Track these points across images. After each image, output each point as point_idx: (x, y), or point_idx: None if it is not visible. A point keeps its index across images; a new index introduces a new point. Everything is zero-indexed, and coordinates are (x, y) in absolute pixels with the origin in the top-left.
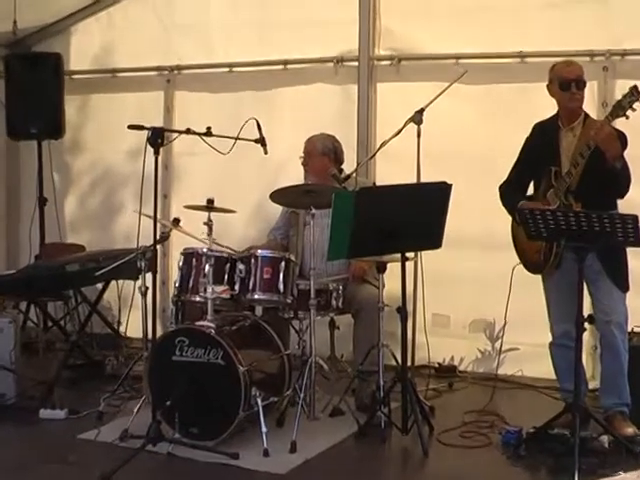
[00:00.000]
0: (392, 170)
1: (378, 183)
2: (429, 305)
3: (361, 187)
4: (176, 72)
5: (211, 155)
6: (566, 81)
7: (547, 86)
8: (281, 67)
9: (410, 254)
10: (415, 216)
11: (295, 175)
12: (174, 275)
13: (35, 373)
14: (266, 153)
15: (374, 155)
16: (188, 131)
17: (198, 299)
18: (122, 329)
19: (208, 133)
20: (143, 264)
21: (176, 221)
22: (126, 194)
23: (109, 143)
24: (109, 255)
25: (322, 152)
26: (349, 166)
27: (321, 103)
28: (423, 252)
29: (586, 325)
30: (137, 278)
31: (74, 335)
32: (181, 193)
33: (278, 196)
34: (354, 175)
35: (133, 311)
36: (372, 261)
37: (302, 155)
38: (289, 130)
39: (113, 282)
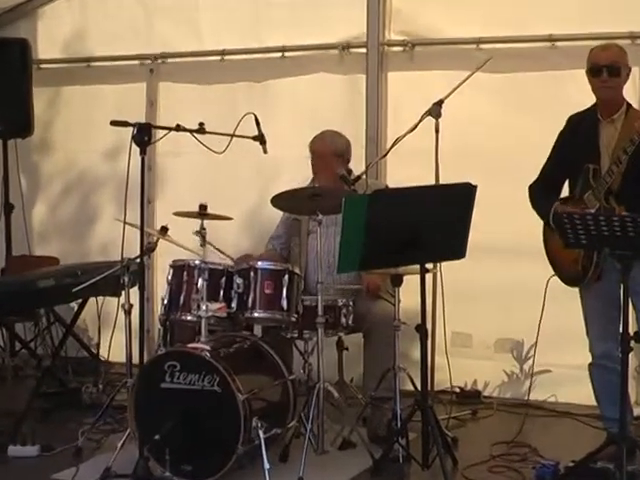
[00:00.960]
0: (405, 170)
1: (390, 185)
2: (449, 322)
3: (374, 190)
4: (160, 61)
5: (200, 155)
6: (596, 66)
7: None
8: (279, 55)
9: (430, 265)
10: (436, 222)
11: (295, 177)
12: (159, 291)
13: (2, 403)
14: (265, 152)
15: (387, 153)
16: (178, 128)
17: (190, 318)
18: (102, 352)
19: (201, 130)
20: (127, 279)
21: (164, 230)
22: (103, 200)
23: (84, 142)
24: (88, 269)
25: (335, 152)
26: (356, 166)
27: (325, 95)
28: (445, 263)
29: (632, 344)
30: (119, 294)
31: (46, 360)
32: (166, 198)
33: (280, 200)
34: (364, 176)
35: (115, 332)
36: (386, 274)
37: (311, 156)
38: (288, 126)
39: (92, 299)
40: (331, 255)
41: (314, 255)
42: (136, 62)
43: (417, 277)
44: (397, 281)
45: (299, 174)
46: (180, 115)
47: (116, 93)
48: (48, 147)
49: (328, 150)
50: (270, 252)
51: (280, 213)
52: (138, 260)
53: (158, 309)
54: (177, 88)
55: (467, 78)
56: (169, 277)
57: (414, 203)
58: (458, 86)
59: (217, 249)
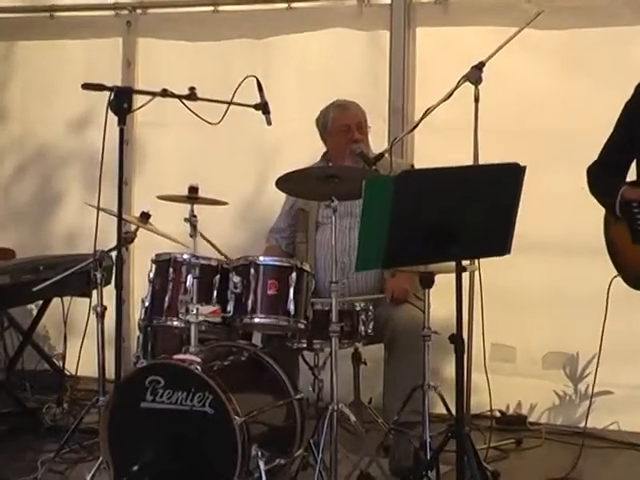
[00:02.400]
0: (437, 149)
1: (418, 166)
2: (489, 332)
3: (402, 171)
4: (139, 12)
5: (189, 127)
6: None
7: None
8: (284, 6)
9: (467, 263)
10: (475, 210)
11: (302, 155)
12: (139, 291)
13: None
14: (269, 123)
15: (415, 127)
16: (166, 93)
17: (176, 323)
18: (67, 365)
19: (192, 96)
20: (99, 275)
21: (145, 216)
22: (68, 180)
23: (44, 110)
24: (51, 263)
25: (366, 123)
26: (377, 143)
27: (339, 56)
28: (484, 260)
29: None
30: (90, 294)
31: (0, 374)
32: (148, 178)
33: (287, 183)
34: (387, 154)
35: (84, 340)
36: (414, 272)
37: (348, 125)
38: (295, 94)
39: (55, 301)
40: (346, 252)
41: (326, 251)
42: (110, 13)
43: (451, 277)
44: (427, 281)
45: (307, 152)
46: (163, 79)
47: (85, 50)
48: (1, 115)
49: (363, 118)
50: (272, 248)
51: (282, 200)
52: (113, 253)
53: (137, 312)
54: (160, 46)
55: (513, 36)
56: (151, 274)
57: (449, 187)
58: (502, 46)
59: (211, 243)
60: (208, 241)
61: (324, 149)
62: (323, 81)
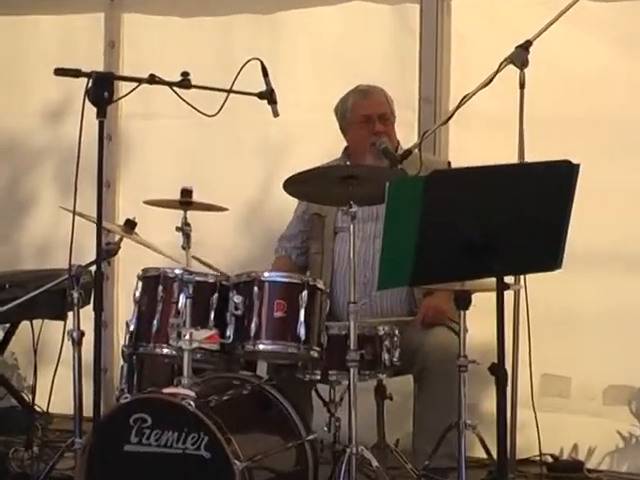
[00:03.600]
0: (475, 143)
1: (453, 164)
2: (538, 360)
3: (433, 170)
4: None
5: (182, 119)
6: None
7: None
8: None
9: (510, 279)
10: (520, 217)
11: (315, 151)
12: (122, 312)
13: None
14: (276, 115)
15: (449, 118)
16: (153, 79)
17: (166, 351)
18: (38, 400)
19: (184, 83)
20: (76, 295)
21: (130, 225)
22: (41, 180)
23: (13, 98)
24: (20, 280)
25: (393, 112)
26: (405, 136)
27: (360, 34)
28: (531, 276)
29: None
30: (65, 317)
31: None
32: (133, 180)
33: (297, 185)
34: (416, 150)
35: (58, 371)
36: (449, 291)
37: (368, 115)
38: (307, 79)
39: (24, 324)
40: (369, 264)
41: (344, 264)
42: None
43: (492, 296)
44: (463, 302)
45: (321, 147)
46: (152, 62)
47: (60, 28)
48: None
49: (388, 107)
50: (281, 259)
51: (294, 203)
52: (93, 268)
53: (121, 338)
54: (148, 23)
55: (568, 8)
56: (137, 293)
57: (490, 189)
58: (554, 21)
59: (202, 261)
60: (199, 260)
61: (343, 143)
62: (340, 65)
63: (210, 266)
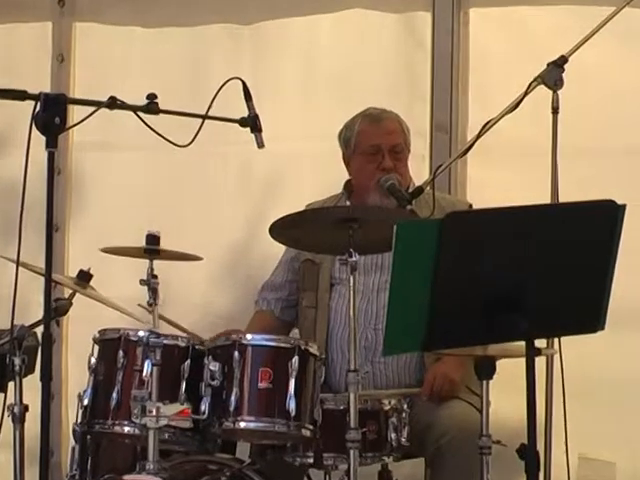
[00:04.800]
0: (499, 179)
1: (474, 204)
2: (575, 440)
3: (450, 212)
4: None
5: (148, 151)
6: None
7: None
8: None
9: (542, 343)
10: (553, 268)
11: (308, 189)
12: (74, 383)
13: None
14: (261, 145)
15: (468, 149)
16: (114, 103)
17: (128, 430)
18: None
19: (151, 107)
20: (18, 361)
21: (84, 277)
22: None
23: None
24: None
25: (407, 142)
26: (416, 170)
27: (361, 49)
28: (567, 339)
29: None
30: (5, 388)
31: None
32: (88, 223)
33: (285, 230)
34: (429, 189)
35: None
36: (467, 357)
37: (377, 145)
38: (297, 102)
39: None
40: (372, 324)
41: (342, 323)
42: None
43: (520, 362)
44: (486, 370)
45: (315, 184)
46: (110, 81)
47: (0, 39)
48: None
49: (402, 137)
50: (261, 315)
51: (281, 251)
52: (40, 329)
53: (72, 414)
54: (105, 34)
55: (609, 18)
56: (93, 359)
57: (518, 234)
58: (593, 33)
59: (172, 322)
60: (167, 320)
61: (342, 178)
62: (337, 85)
63: (180, 328)
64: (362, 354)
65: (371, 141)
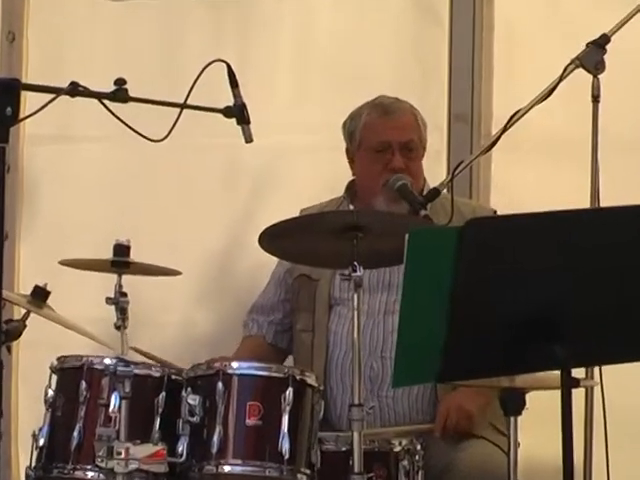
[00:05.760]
0: (530, 179)
1: (500, 209)
2: None
3: (471, 218)
4: None
5: (116, 146)
6: None
7: None
8: None
9: (580, 373)
10: (594, 284)
11: (304, 190)
12: (27, 418)
13: None
14: (248, 140)
15: (493, 144)
16: (76, 89)
17: (91, 475)
18: None
19: (119, 94)
20: None
21: (39, 295)
22: None
23: None
24: None
25: (422, 139)
26: (431, 167)
27: (364, 27)
28: (609, 369)
29: None
30: None
31: None
32: (42, 230)
33: (279, 238)
34: (446, 191)
35: None
36: (491, 388)
37: (387, 142)
38: (291, 89)
39: None
40: (379, 351)
41: (344, 350)
42: None
43: (555, 396)
44: (514, 404)
45: (311, 184)
46: (71, 64)
47: None
48: None
49: (416, 133)
50: (251, 341)
51: (273, 262)
52: None
53: (25, 456)
54: (64, 8)
55: None
56: (50, 392)
57: (551, 244)
58: (638, 10)
59: (142, 352)
60: (139, 351)
61: (344, 178)
62: (338, 70)
63: (153, 358)
64: (367, 386)
65: (379, 136)
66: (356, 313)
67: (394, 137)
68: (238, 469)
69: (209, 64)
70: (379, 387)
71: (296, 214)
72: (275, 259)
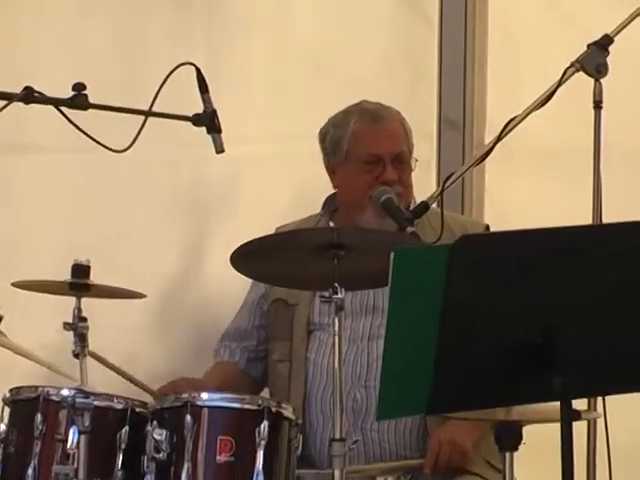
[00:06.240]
0: (525, 191)
1: (494, 224)
2: None
3: (462, 235)
4: None
5: (73, 156)
6: None
7: None
8: None
9: (582, 404)
10: (598, 306)
11: (278, 206)
12: None
13: None
14: (219, 150)
15: (488, 154)
16: (30, 96)
17: None
18: None
19: (78, 100)
20: None
21: None
22: None
23: None
24: None
25: (410, 147)
26: (418, 178)
27: (346, 24)
28: (613, 399)
29: None
30: None
31: None
32: None
33: (252, 258)
34: (435, 205)
35: None
36: (485, 421)
37: (378, 155)
38: (265, 95)
39: None
40: (362, 380)
41: (324, 379)
42: None
43: (554, 430)
44: (509, 438)
45: (287, 199)
46: (24, 67)
47: None
48: None
49: (406, 142)
50: (223, 367)
51: (246, 284)
52: None
53: None
54: (13, 3)
55: None
56: (2, 426)
57: (549, 263)
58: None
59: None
60: (106, 364)
61: (327, 190)
62: (316, 71)
63: (120, 371)
64: (350, 418)
65: (371, 148)
66: (337, 339)
67: (386, 149)
68: None
69: (176, 68)
70: (363, 420)
71: (271, 232)
72: (244, 279)
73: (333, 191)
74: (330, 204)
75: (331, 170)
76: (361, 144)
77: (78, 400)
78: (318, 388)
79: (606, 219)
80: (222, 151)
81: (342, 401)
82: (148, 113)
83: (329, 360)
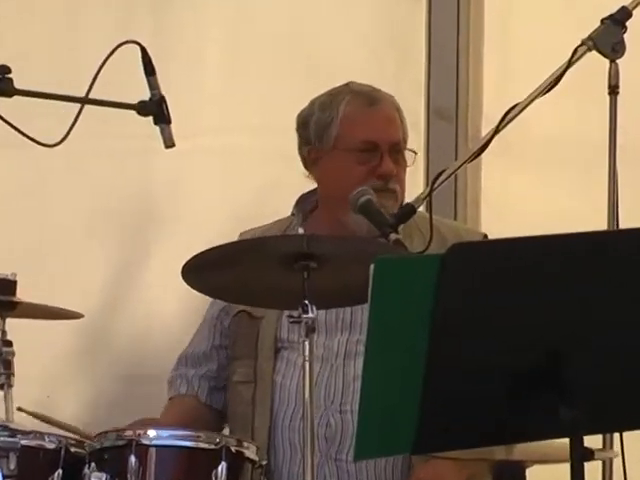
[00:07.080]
0: (526, 190)
1: (492, 232)
2: None
3: (454, 243)
4: None
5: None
6: None
7: None
8: None
9: (595, 441)
10: (612, 325)
11: (239, 209)
12: None
13: None
14: (169, 144)
15: (484, 148)
16: None
17: None
18: None
19: (3, 85)
20: None
21: None
22: None
23: None
24: None
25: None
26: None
27: (322, 6)
28: (631, 435)
29: None
30: None
31: None
32: None
33: (209, 271)
34: (422, 209)
35: None
36: (481, 460)
37: (374, 142)
38: (223, 79)
39: None
40: (336, 404)
41: (292, 405)
42: None
43: (562, 472)
44: (510, 479)
45: (249, 200)
46: None
47: None
48: None
49: (402, 130)
50: (180, 402)
51: (203, 301)
52: None
53: None
54: None
55: None
56: None
57: (556, 276)
58: None
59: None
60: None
61: (295, 191)
62: (283, 53)
63: (51, 422)
64: (323, 449)
65: (367, 133)
66: (308, 364)
67: (383, 135)
68: None
69: (117, 47)
70: (338, 450)
71: (225, 239)
72: (206, 299)
73: (306, 190)
74: (304, 204)
75: (312, 160)
76: (355, 129)
77: (3, 439)
78: (286, 414)
79: (623, 222)
80: (172, 145)
81: (313, 429)
82: (84, 100)
83: (298, 383)
